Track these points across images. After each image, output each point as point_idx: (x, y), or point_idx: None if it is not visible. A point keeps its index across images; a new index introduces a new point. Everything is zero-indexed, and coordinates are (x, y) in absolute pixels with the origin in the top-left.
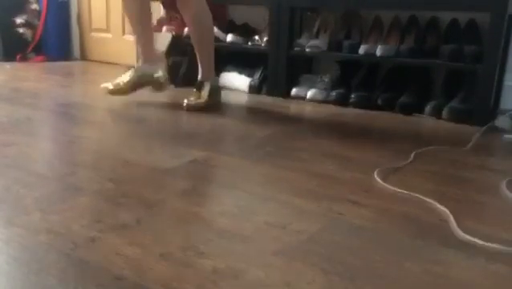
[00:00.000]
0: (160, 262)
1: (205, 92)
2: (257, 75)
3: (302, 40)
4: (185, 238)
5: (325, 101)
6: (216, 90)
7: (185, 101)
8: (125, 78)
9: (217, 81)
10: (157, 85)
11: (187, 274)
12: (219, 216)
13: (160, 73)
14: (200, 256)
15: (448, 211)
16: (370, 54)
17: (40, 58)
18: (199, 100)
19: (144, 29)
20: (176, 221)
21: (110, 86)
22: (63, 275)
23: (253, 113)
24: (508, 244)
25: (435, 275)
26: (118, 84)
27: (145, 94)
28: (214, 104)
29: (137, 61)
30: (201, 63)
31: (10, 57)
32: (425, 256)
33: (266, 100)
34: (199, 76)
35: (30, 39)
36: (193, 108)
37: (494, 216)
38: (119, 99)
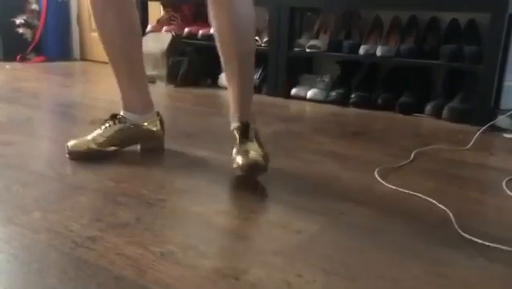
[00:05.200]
0: (160, 261)
1: (255, 142)
2: (257, 75)
3: (302, 40)
4: (185, 238)
5: (325, 101)
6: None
7: (238, 161)
8: (100, 133)
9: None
10: (151, 140)
11: (187, 273)
12: (219, 215)
13: (156, 125)
14: (200, 256)
15: (448, 210)
16: (370, 55)
17: (40, 58)
18: (256, 157)
19: (132, 64)
20: (176, 221)
21: (74, 145)
22: (63, 275)
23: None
24: (508, 244)
25: (435, 275)
26: (87, 143)
27: None
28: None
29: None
30: (241, 92)
31: (10, 57)
32: (426, 256)
33: (266, 100)
34: (234, 114)
35: (29, 39)
36: (256, 169)
37: (495, 215)
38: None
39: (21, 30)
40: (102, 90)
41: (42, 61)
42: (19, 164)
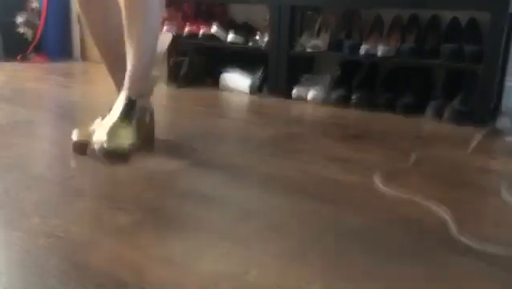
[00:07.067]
0: (161, 265)
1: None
2: (257, 76)
3: (303, 40)
4: (186, 241)
5: (326, 102)
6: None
7: (95, 139)
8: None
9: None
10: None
11: (187, 277)
12: (219, 217)
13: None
14: (200, 259)
15: (447, 214)
16: (371, 54)
17: (41, 58)
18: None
19: (117, 49)
20: (176, 225)
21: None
22: (63, 280)
23: (254, 114)
24: (508, 248)
25: (435, 279)
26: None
27: None
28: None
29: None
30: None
31: (10, 57)
32: (425, 260)
33: (266, 101)
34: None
35: (30, 39)
36: (113, 158)
37: (494, 219)
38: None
39: (21, 30)
40: (103, 90)
41: (43, 61)
42: (19, 167)
